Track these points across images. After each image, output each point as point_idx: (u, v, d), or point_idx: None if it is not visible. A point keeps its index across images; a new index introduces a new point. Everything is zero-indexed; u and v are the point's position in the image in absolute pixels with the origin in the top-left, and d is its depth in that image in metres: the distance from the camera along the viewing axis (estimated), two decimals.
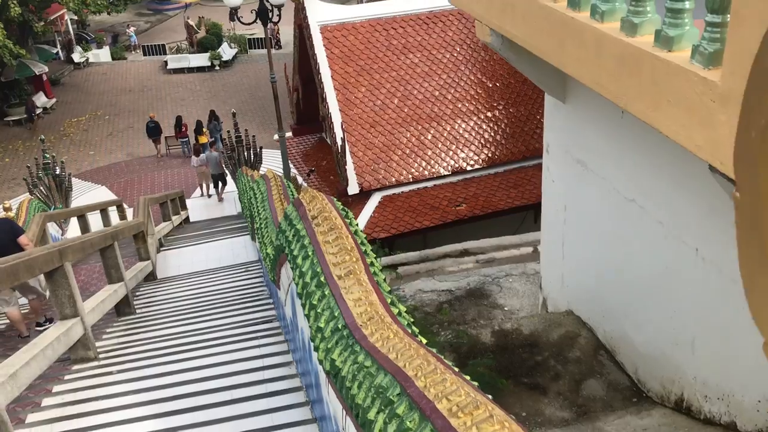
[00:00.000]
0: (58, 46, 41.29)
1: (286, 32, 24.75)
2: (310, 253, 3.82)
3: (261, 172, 16.99)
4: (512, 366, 5.82)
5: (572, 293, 6.76)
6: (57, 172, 19.14)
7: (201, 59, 39.93)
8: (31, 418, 5.41)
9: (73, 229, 17.36)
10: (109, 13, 42.77)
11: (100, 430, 5.16)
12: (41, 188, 18.42)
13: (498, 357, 5.93)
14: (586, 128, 5.91)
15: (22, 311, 8.74)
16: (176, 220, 17.85)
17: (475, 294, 8.06)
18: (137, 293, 10.09)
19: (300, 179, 19.03)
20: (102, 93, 36.92)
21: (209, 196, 23.39)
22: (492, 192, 16.24)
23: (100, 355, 6.88)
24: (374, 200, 15.88)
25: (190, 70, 39.56)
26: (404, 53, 17.31)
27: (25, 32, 32.98)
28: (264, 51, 31.19)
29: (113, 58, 42.95)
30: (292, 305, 5.16)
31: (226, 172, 21.72)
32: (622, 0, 3.98)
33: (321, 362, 3.19)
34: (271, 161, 23.13)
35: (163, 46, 43.30)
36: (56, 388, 6.03)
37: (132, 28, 46.38)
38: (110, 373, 6.35)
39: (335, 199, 4.50)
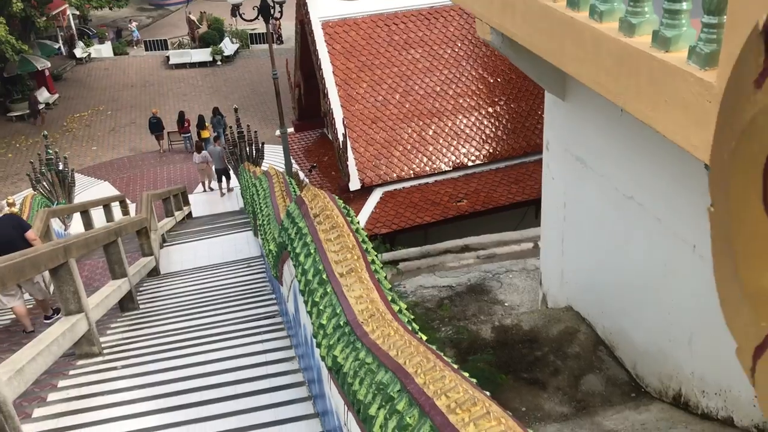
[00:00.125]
0: (60, 41, 41.29)
1: (288, 27, 24.80)
2: (312, 251, 3.88)
3: (263, 168, 17.05)
4: (512, 361, 5.88)
5: (572, 289, 6.82)
6: (60, 168, 19.19)
7: (203, 54, 39.94)
8: (38, 412, 5.48)
9: (76, 224, 17.44)
10: (110, 8, 42.88)
11: (105, 424, 5.22)
12: (44, 184, 18.46)
13: (498, 352, 5.99)
14: (586, 126, 5.96)
15: (27, 306, 8.81)
16: (179, 215, 17.91)
17: (475, 290, 8.12)
18: (141, 289, 10.16)
19: (302, 175, 19.08)
20: (104, 88, 36.96)
21: (211, 189, 23.44)
22: (493, 187, 16.29)
23: (105, 351, 6.95)
24: (375, 196, 15.94)
25: (192, 65, 39.58)
26: (406, 49, 17.35)
27: (27, 27, 33.03)
28: (265, 46, 31.24)
29: (115, 54, 42.95)
30: (294, 301, 5.22)
31: (230, 166, 21.77)
32: (620, 0, 4.02)
33: (323, 358, 3.25)
34: (273, 157, 23.17)
35: (165, 41, 43.30)
36: (61, 383, 6.10)
37: (134, 24, 46.37)
38: (115, 368, 6.41)
39: (337, 197, 4.55)
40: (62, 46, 41.33)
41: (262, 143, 20.25)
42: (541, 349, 6.01)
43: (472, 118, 17.07)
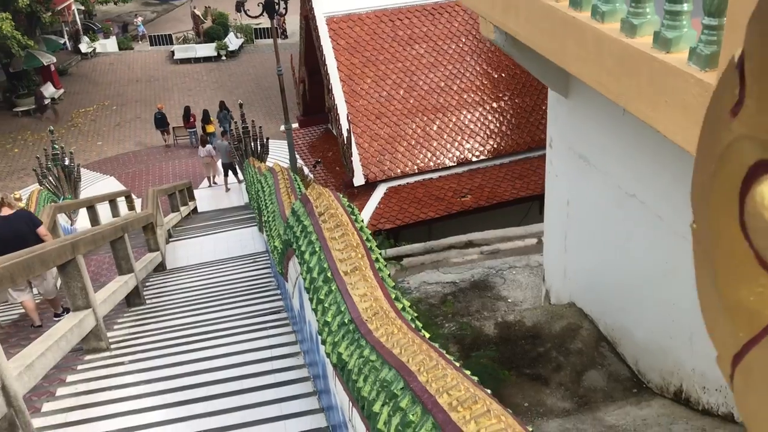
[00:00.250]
0: (66, 36, 41.37)
1: (293, 22, 24.84)
2: (317, 249, 3.94)
3: (268, 163, 17.10)
4: (515, 357, 5.93)
5: (574, 286, 6.86)
6: (66, 163, 19.28)
7: (207, 49, 39.97)
8: (47, 407, 5.56)
9: (82, 218, 17.53)
10: (115, 3, 42.88)
11: (113, 419, 5.30)
12: (50, 179, 18.56)
13: (501, 348, 6.04)
14: (589, 124, 5.99)
15: (36, 301, 8.89)
16: (184, 210, 17.99)
17: (479, 286, 8.17)
18: (147, 284, 10.24)
19: (306, 170, 19.13)
20: (109, 83, 37.03)
21: (215, 183, 23.50)
22: (497, 183, 16.31)
23: (112, 346, 7.02)
24: (380, 191, 15.98)
25: (197, 60, 39.60)
26: (410, 44, 17.36)
27: (32, 23, 33.07)
28: (270, 41, 31.24)
29: (120, 48, 43.03)
30: (299, 298, 5.27)
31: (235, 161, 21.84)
32: (622, 1, 4.05)
33: (328, 355, 3.31)
34: (278, 152, 23.22)
35: (170, 36, 43.35)
36: (70, 378, 6.18)
37: (139, 18, 46.44)
38: (122, 363, 6.49)
39: (341, 196, 4.60)
40: (67, 42, 41.39)
41: (267, 138, 20.29)
42: (543, 345, 6.06)
43: (477, 114, 17.09)
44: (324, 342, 3.38)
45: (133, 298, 8.83)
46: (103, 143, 29.65)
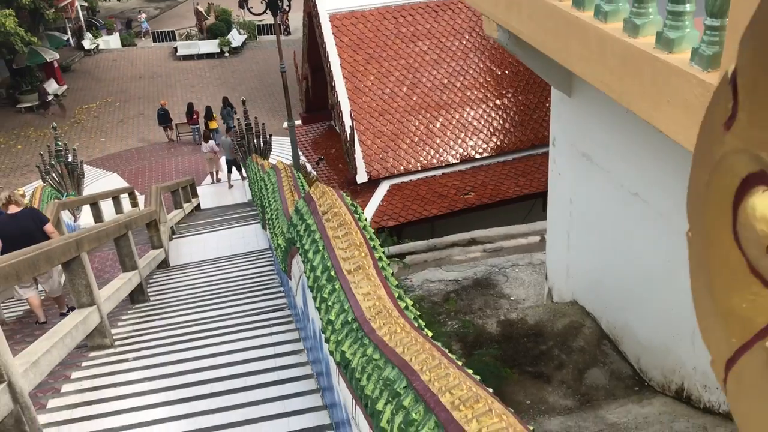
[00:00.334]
0: (69, 32, 41.42)
1: (296, 18, 24.85)
2: (320, 248, 3.96)
3: (271, 160, 17.14)
4: (517, 355, 5.96)
5: (577, 284, 6.88)
6: (69, 160, 19.32)
7: (210, 46, 40.00)
8: (52, 403, 5.60)
9: (86, 215, 17.58)
10: (119, 0, 42.89)
11: (118, 415, 5.33)
12: (53, 175, 18.60)
13: (503, 346, 6.07)
14: (592, 122, 6.01)
15: (41, 297, 8.94)
16: (187, 207, 18.03)
17: (481, 284, 8.19)
18: (151, 281, 10.28)
19: (309, 167, 19.15)
20: (112, 80, 37.08)
21: (219, 180, 23.54)
22: (500, 180, 16.32)
23: (116, 343, 7.07)
24: (383, 189, 16.00)
25: (200, 56, 39.63)
26: (413, 41, 17.36)
27: (36, 19, 33.13)
28: (273, 37, 31.32)
29: (123, 45, 43.08)
30: (303, 295, 5.30)
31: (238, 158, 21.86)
32: (625, 1, 4.06)
33: (332, 353, 3.34)
34: (281, 149, 23.24)
35: (173, 32, 43.39)
36: (75, 375, 6.22)
37: (143, 15, 46.48)
38: (126, 360, 6.53)
39: (344, 194, 4.63)
40: (70, 38, 41.45)
41: (270, 135, 20.30)
42: (546, 343, 6.08)
43: (480, 111, 17.10)
44: (327, 340, 3.41)
45: (137, 295, 8.87)
46: (106, 140, 29.70)
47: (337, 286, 3.54)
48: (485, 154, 16.77)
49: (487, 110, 17.15)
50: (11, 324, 8.87)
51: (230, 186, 22.69)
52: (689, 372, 5.04)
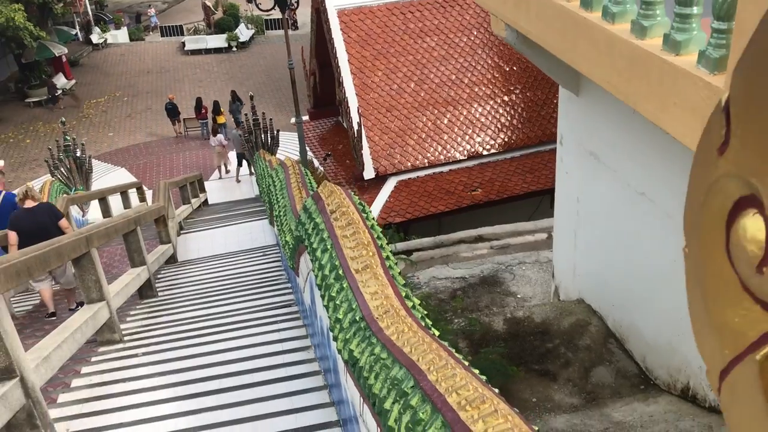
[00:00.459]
0: (77, 27, 41.56)
1: (304, 13, 24.83)
2: (329, 247, 4.00)
3: (278, 156, 17.18)
4: (524, 353, 5.99)
5: (584, 282, 6.91)
6: (78, 154, 19.42)
7: (218, 40, 40.06)
8: (63, 398, 5.67)
9: (94, 210, 17.67)
10: None
11: (127, 410, 5.40)
12: (62, 170, 18.70)
13: (510, 344, 6.10)
14: (599, 121, 6.02)
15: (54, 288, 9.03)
16: (195, 203, 18.10)
17: (488, 281, 8.22)
18: (159, 276, 10.34)
19: (316, 163, 19.20)
20: (120, 74, 37.20)
21: (227, 171, 23.63)
22: (508, 177, 16.33)
23: (125, 338, 7.13)
24: (390, 185, 16.03)
25: (208, 51, 39.71)
26: (421, 37, 17.37)
27: (44, 14, 33.26)
28: (281, 32, 31.25)
29: (131, 39, 43.20)
30: (311, 293, 5.35)
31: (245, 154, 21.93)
32: (632, 2, 4.08)
33: (340, 352, 3.38)
34: (288, 144, 23.30)
35: (181, 27, 43.49)
36: (84, 370, 6.29)
37: (152, 9, 46.60)
38: (135, 355, 6.59)
39: (353, 193, 4.67)
40: (79, 32, 41.59)
41: (277, 131, 20.35)
42: (552, 341, 6.12)
43: (488, 107, 17.10)
44: (335, 339, 3.46)
45: (146, 291, 8.94)
46: (114, 134, 29.81)
47: (345, 285, 3.58)
48: (493, 151, 16.78)
49: (495, 106, 17.15)
50: (21, 318, 8.96)
51: (238, 180, 22.77)
52: (695, 371, 5.07)
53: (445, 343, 2.74)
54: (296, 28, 40.74)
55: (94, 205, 17.39)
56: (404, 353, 2.60)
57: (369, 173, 15.98)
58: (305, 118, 21.39)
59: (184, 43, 40.53)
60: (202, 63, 38.36)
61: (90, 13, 43.06)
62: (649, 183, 5.30)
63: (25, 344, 5.16)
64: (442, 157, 16.47)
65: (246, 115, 20.58)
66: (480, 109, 17.03)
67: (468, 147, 16.66)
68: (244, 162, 22.34)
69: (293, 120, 19.68)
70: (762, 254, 0.69)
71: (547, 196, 15.81)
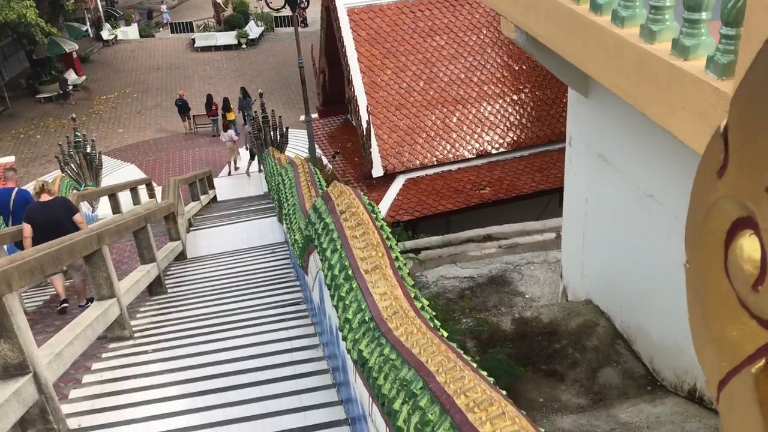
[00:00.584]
0: (88, 23, 41.75)
1: (314, 10, 24.85)
2: (338, 247, 4.05)
3: (287, 153, 17.24)
4: (531, 353, 6.02)
5: (591, 283, 6.93)
6: (87, 150, 19.53)
7: (228, 37, 40.16)
8: (74, 394, 5.74)
9: (103, 206, 17.78)
10: None
11: (138, 407, 5.46)
12: (72, 166, 18.81)
13: (517, 344, 6.13)
14: (608, 123, 6.04)
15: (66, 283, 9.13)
16: (204, 199, 18.20)
17: (496, 281, 8.25)
18: (168, 273, 10.42)
19: (325, 161, 19.25)
20: (130, 70, 37.35)
21: (237, 169, 23.74)
22: (516, 176, 16.34)
23: (135, 334, 7.20)
24: (398, 183, 16.07)
25: (217, 48, 39.82)
26: (430, 36, 17.38)
27: (56, 10, 33.46)
28: (290, 29, 31.36)
29: (141, 36, 43.37)
30: (320, 291, 5.39)
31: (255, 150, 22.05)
32: (642, 6, 4.10)
33: (349, 352, 3.43)
34: (297, 142, 23.36)
35: (191, 23, 43.62)
36: (95, 366, 6.36)
37: (164, 6, 46.77)
38: (145, 352, 6.66)
39: (362, 193, 4.71)
40: (89, 29, 41.77)
41: (287, 128, 20.40)
42: (560, 342, 6.14)
43: (497, 106, 17.10)
44: (345, 338, 3.50)
45: (156, 287, 9.01)
46: (124, 131, 29.96)
47: (354, 285, 3.62)
48: (501, 150, 16.79)
49: (504, 105, 17.15)
50: (31, 314, 9.05)
51: (248, 175, 22.89)
52: (702, 373, 5.09)
53: (454, 345, 2.78)
54: (306, 25, 40.78)
55: (104, 200, 17.50)
56: (413, 354, 2.64)
57: (378, 171, 16.02)
58: (314, 115, 21.44)
59: (194, 40, 40.67)
60: (211, 60, 38.47)
61: (101, 9, 43.27)
62: (658, 185, 5.32)
63: (36, 340, 5.23)
64: (450, 155, 16.49)
65: (256, 112, 20.65)
66: (489, 108, 17.04)
67: (477, 145, 16.67)
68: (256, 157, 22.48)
69: (302, 118, 19.73)
70: (757, 273, 0.73)
71: (555, 195, 15.81)
